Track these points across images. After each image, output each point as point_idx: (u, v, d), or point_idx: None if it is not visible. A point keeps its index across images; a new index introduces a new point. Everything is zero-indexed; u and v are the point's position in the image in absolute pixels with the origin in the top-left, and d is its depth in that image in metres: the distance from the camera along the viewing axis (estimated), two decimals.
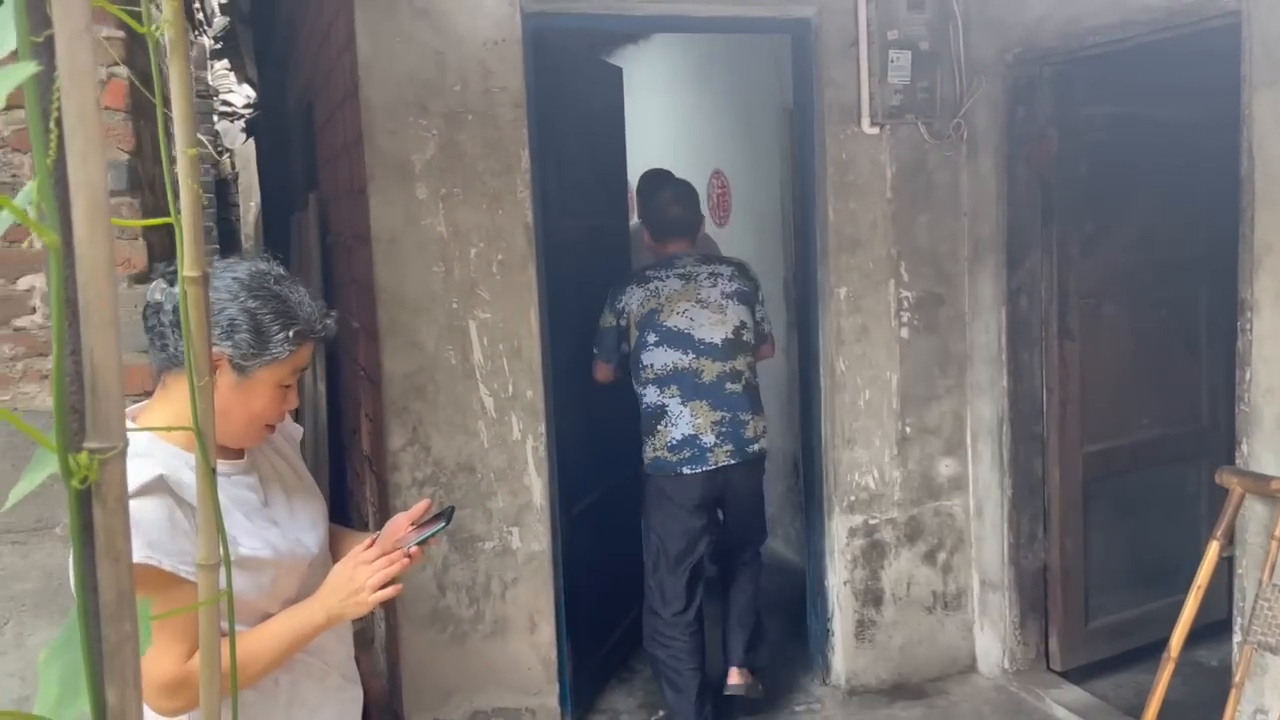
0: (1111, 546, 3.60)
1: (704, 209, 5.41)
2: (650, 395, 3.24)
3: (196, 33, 5.45)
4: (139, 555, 1.38)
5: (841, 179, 3.38)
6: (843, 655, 3.53)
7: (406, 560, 1.50)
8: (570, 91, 3.40)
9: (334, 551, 1.70)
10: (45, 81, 0.53)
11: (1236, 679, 2.44)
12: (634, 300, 3.26)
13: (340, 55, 3.18)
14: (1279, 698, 2.50)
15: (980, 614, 3.64)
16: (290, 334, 1.46)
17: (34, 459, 0.60)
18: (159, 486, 1.42)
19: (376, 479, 3.16)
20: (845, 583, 3.50)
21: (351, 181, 3.20)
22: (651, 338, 3.22)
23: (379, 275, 2.94)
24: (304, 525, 1.61)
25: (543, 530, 3.15)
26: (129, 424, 1.53)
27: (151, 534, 1.41)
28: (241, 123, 7.85)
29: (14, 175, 1.96)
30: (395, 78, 2.91)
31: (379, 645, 3.49)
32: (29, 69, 0.52)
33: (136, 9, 1.00)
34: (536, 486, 3.13)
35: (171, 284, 1.46)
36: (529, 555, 3.14)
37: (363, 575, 1.48)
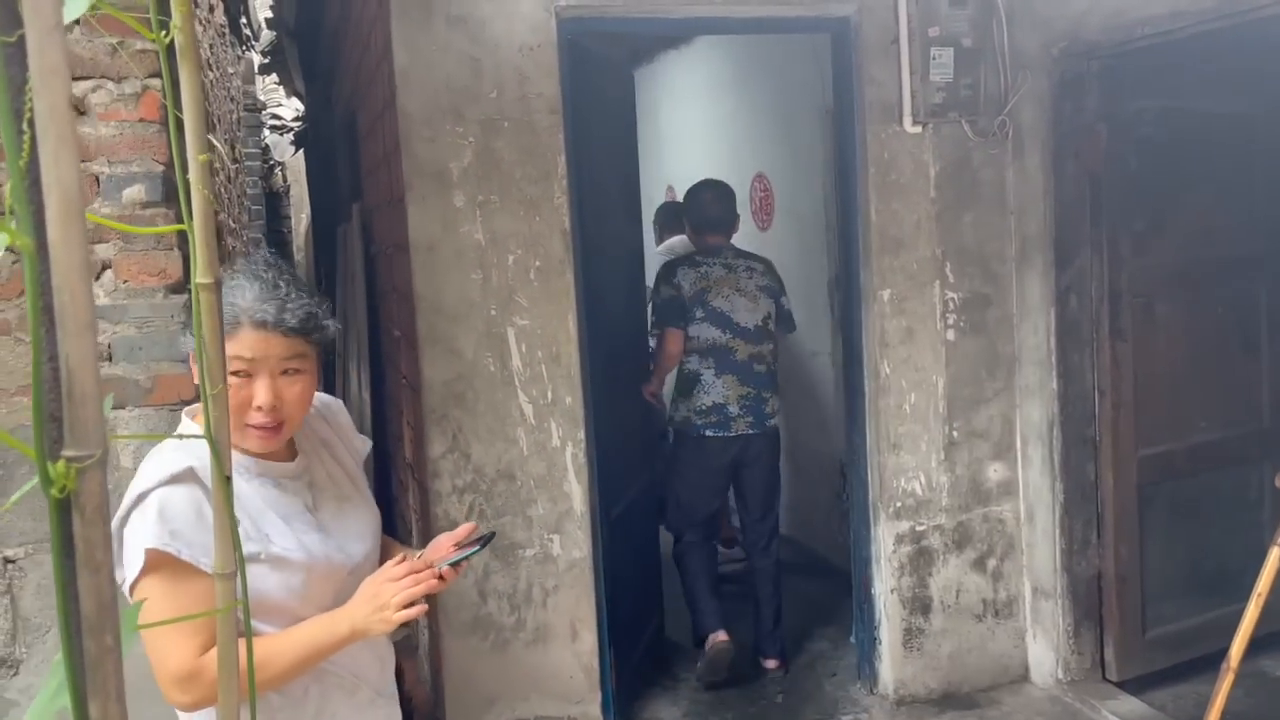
0: (1169, 553, 3.50)
1: (746, 213, 5.41)
2: (691, 363, 3.72)
3: (244, 48, 5.54)
4: (158, 542, 1.42)
5: (884, 179, 3.32)
6: (890, 664, 3.46)
7: (434, 581, 1.48)
8: (595, 96, 3.39)
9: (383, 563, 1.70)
10: (17, 82, 0.52)
11: None
12: (687, 279, 3.70)
13: (379, 65, 3.20)
14: None
15: (1033, 622, 3.55)
16: None
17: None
18: (188, 477, 1.44)
19: (418, 486, 3.17)
20: (892, 590, 3.44)
21: (391, 191, 3.21)
22: (699, 313, 3.68)
23: (417, 283, 2.95)
24: (352, 534, 1.61)
25: (583, 537, 3.13)
26: (187, 422, 1.56)
27: (175, 523, 1.43)
28: (290, 136, 7.97)
29: None
30: (432, 86, 2.92)
31: (422, 653, 3.50)
32: None
33: (148, 16, 1.00)
34: (576, 493, 3.11)
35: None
36: (570, 562, 3.13)
37: (388, 592, 1.47)
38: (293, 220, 10.43)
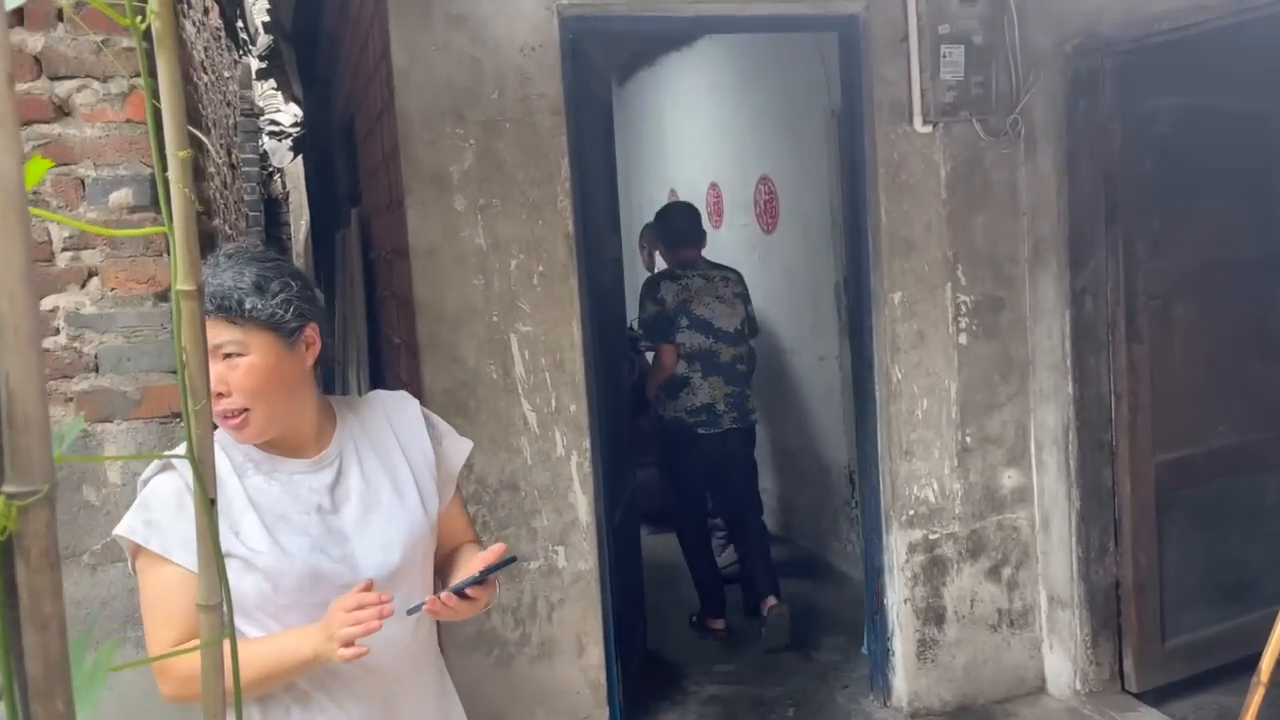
0: (1188, 560, 3.42)
1: (750, 215, 5.34)
2: (679, 368, 4.03)
3: (241, 52, 5.47)
4: (128, 530, 1.44)
5: (893, 180, 3.25)
6: (904, 676, 3.38)
7: (376, 624, 1.36)
8: (590, 98, 3.32)
9: (451, 567, 1.65)
10: None
11: None
12: (669, 293, 4.02)
13: (377, 66, 3.13)
14: None
15: (1049, 632, 3.47)
16: None
17: None
18: (179, 463, 1.43)
19: None
20: (905, 600, 3.36)
21: (390, 194, 3.14)
22: (684, 321, 4.00)
23: (417, 289, 2.87)
24: (373, 544, 1.53)
25: (589, 549, 3.06)
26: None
27: (154, 512, 1.44)
28: (289, 141, 7.90)
29: None
30: (431, 87, 2.85)
31: None
32: None
33: (129, 2, 0.92)
34: (582, 504, 3.04)
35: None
36: (575, 575, 3.05)
37: (336, 623, 1.38)
38: (292, 227, 10.37)
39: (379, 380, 4.06)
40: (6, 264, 0.44)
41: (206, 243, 2.48)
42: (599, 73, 3.47)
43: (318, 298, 1.59)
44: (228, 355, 1.44)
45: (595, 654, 3.08)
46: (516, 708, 3.01)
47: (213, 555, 1.00)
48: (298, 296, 1.50)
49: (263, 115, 6.04)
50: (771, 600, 4.02)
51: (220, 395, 1.44)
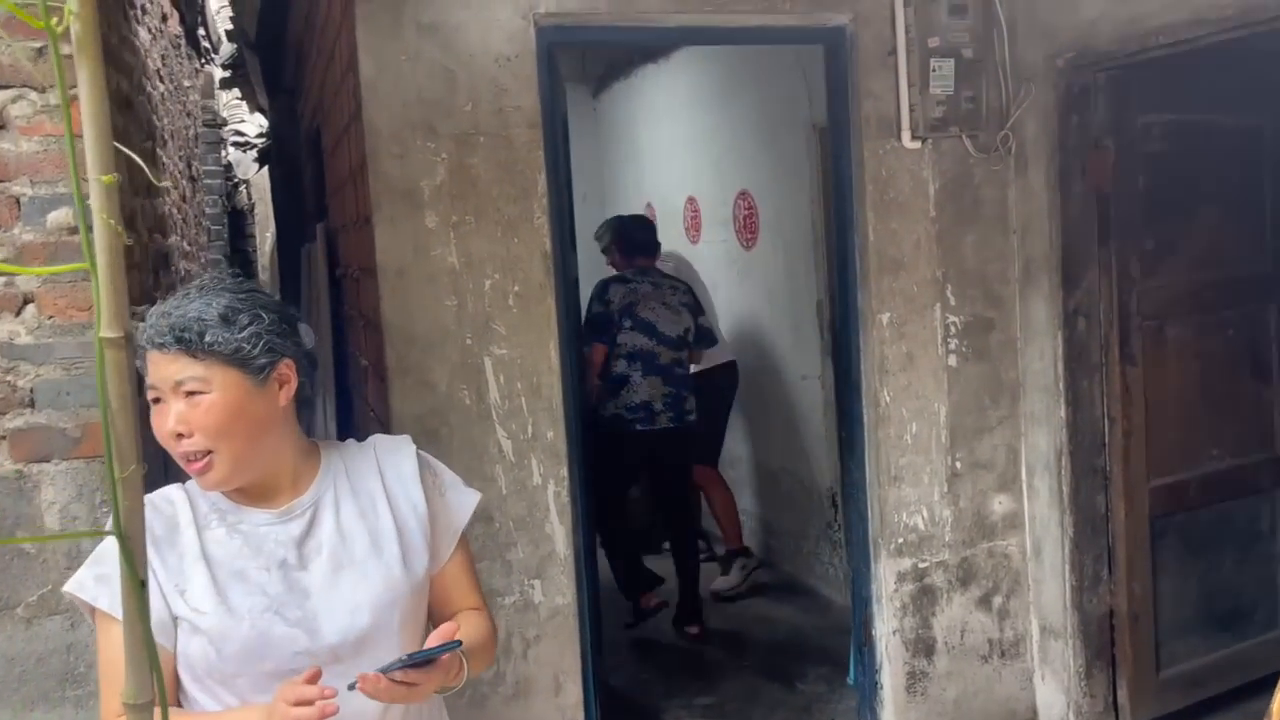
0: (1182, 588, 3.33)
1: (730, 230, 5.23)
2: (620, 366, 4.21)
3: (203, 61, 5.30)
4: (77, 587, 1.35)
5: (881, 197, 3.15)
6: (893, 710, 3.26)
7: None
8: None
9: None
10: None
11: None
12: (617, 295, 4.22)
13: (344, 76, 2.99)
14: None
15: (1041, 663, 3.37)
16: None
17: None
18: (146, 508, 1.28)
19: None
20: (894, 632, 3.24)
21: (357, 210, 3.00)
22: (628, 323, 4.20)
23: (386, 310, 2.73)
24: (341, 606, 1.38)
25: (566, 582, 2.91)
26: None
27: (106, 566, 1.34)
28: (254, 153, 7.71)
29: None
30: (401, 98, 2.71)
31: None
32: None
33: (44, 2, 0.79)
34: (559, 535, 2.90)
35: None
36: (552, 610, 2.91)
37: (278, 714, 1.23)
38: (257, 239, 10.16)
39: (345, 403, 3.90)
40: None
41: (160, 262, 2.33)
42: (560, 84, 3.34)
43: (297, 332, 1.46)
44: (190, 393, 1.33)
45: (574, 692, 2.94)
46: None
47: (143, 646, 0.86)
48: (269, 330, 1.38)
49: (225, 126, 5.85)
50: (695, 629, 4.32)
51: (181, 436, 1.33)
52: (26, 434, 1.76)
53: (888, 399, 3.19)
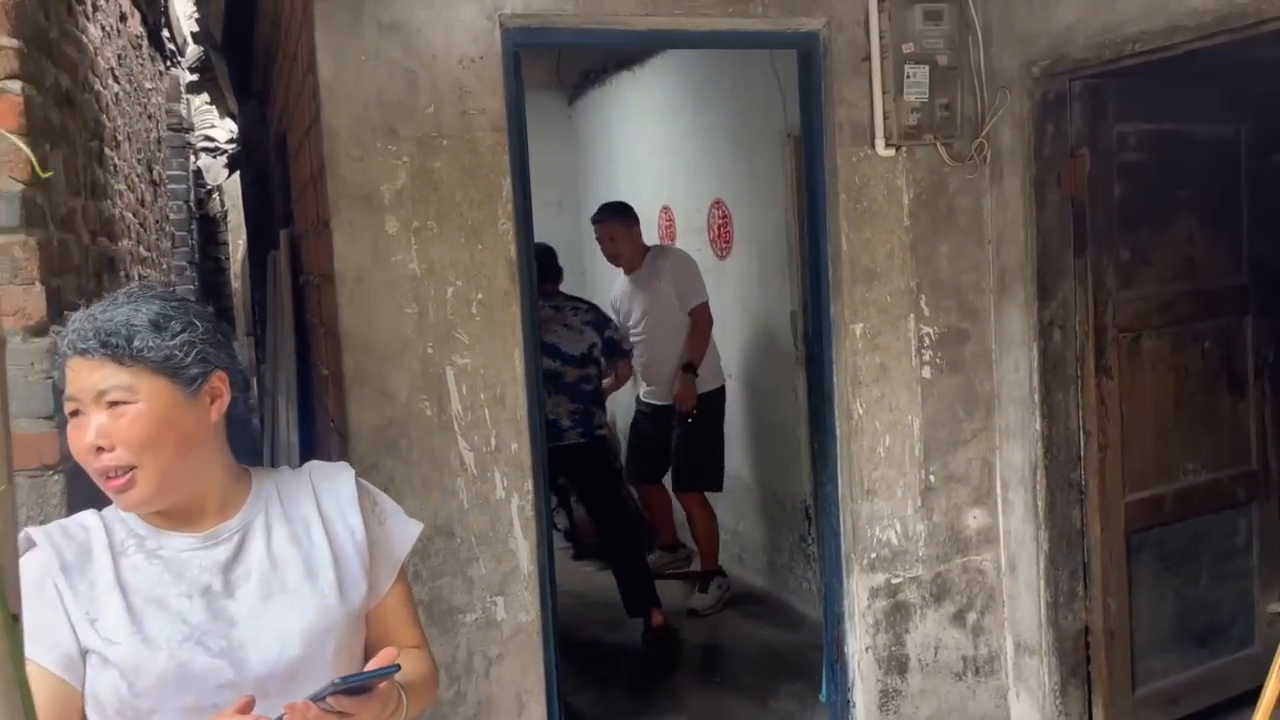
0: (1158, 604, 3.28)
1: (704, 239, 5.17)
2: None
3: (168, 63, 5.20)
4: None
5: (855, 205, 3.09)
6: None
7: None
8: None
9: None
10: None
11: None
12: None
13: (305, 78, 2.91)
14: None
15: (1015, 680, 3.31)
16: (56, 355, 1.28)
17: None
18: (56, 536, 1.27)
19: None
20: (867, 649, 3.18)
21: (317, 215, 2.91)
22: None
23: (343, 318, 2.65)
24: (267, 634, 1.29)
25: (530, 599, 2.83)
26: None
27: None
28: (224, 159, 7.60)
29: None
30: (361, 99, 2.63)
31: None
32: None
33: None
34: (523, 550, 2.81)
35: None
36: (515, 628, 2.82)
37: None
38: (230, 246, 10.02)
39: (308, 414, 3.81)
40: None
41: (105, 266, 2.24)
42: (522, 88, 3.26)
43: (230, 344, 1.37)
44: (113, 403, 1.24)
45: (537, 712, 2.85)
46: None
47: (14, 687, 0.78)
48: (203, 339, 1.29)
49: (193, 130, 5.74)
50: (658, 619, 4.29)
51: (101, 450, 1.23)
52: None
53: (861, 411, 3.13)
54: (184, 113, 5.62)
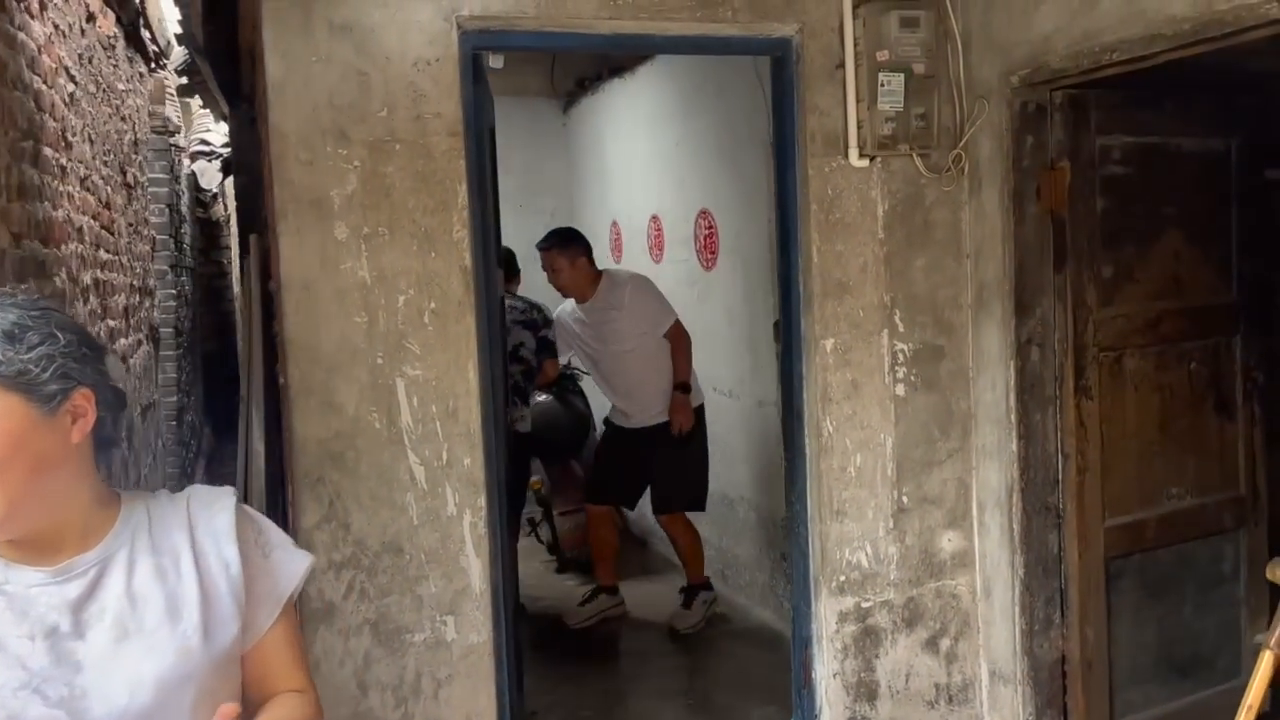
0: (1138, 633, 3.17)
1: (691, 250, 5.08)
2: None
3: (151, 65, 5.16)
4: None
5: (827, 217, 3.00)
6: None
7: None
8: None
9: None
10: None
11: None
12: None
13: (259, 79, 2.84)
14: None
15: (990, 709, 3.20)
16: None
17: None
18: None
19: None
20: (835, 674, 3.08)
21: (268, 220, 2.84)
22: None
23: (290, 326, 2.57)
24: (117, 681, 1.19)
25: (483, 619, 2.74)
26: None
27: None
28: (218, 163, 7.56)
29: None
30: (311, 101, 2.56)
31: None
32: None
33: None
34: (475, 568, 2.73)
35: None
36: (466, 648, 2.73)
37: None
38: (232, 251, 9.98)
39: (277, 427, 3.72)
40: None
41: (34, 270, 2.17)
42: (487, 92, 3.18)
43: (101, 360, 1.27)
44: None
45: None
46: None
47: None
48: (64, 353, 1.19)
49: (178, 133, 5.69)
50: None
51: None
52: None
53: (830, 429, 3.03)
54: (171, 115, 5.56)
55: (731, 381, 4.85)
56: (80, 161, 2.95)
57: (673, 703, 3.87)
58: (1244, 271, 3.28)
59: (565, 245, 4.45)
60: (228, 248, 9.97)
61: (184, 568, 1.26)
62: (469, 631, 2.73)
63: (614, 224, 6.19)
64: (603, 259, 5.52)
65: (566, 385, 5.22)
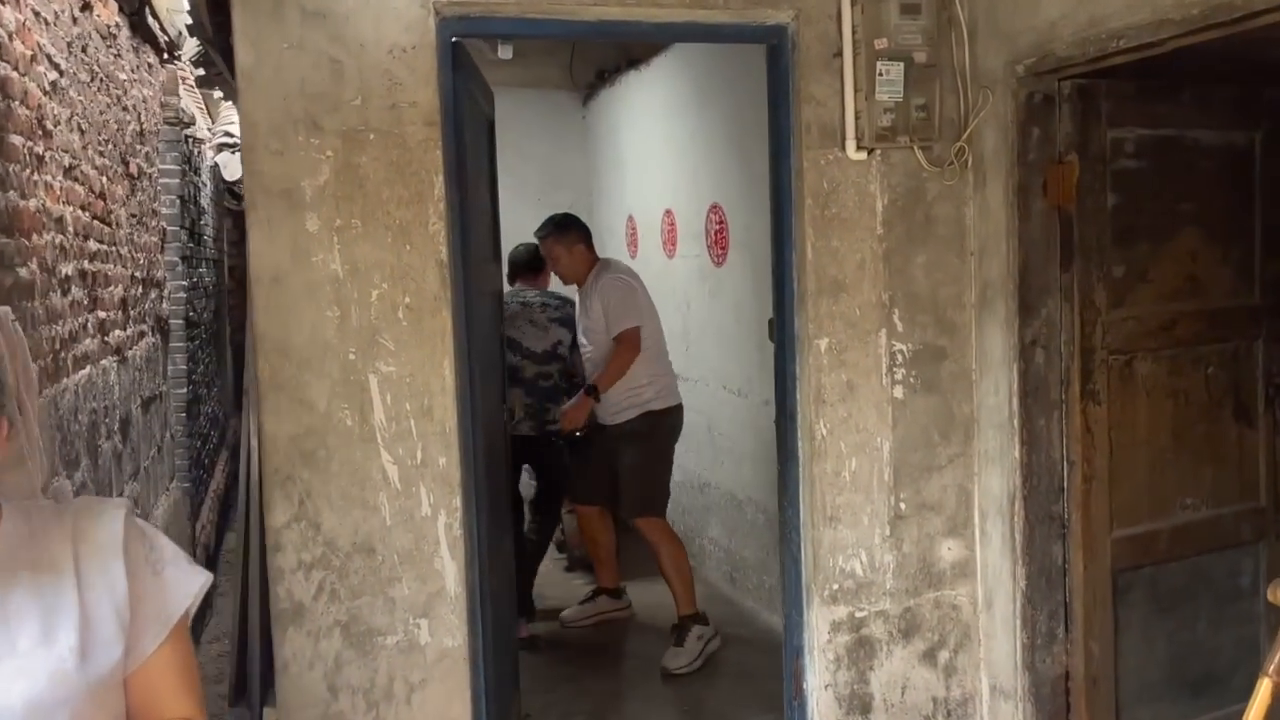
0: (1148, 649, 3.02)
1: (702, 245, 4.98)
2: None
3: (163, 56, 5.14)
4: None
5: (822, 212, 2.89)
6: None
7: None
8: (473, 109, 2.94)
9: None
10: None
11: None
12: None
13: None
14: None
15: None
16: None
17: None
18: None
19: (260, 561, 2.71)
20: (827, 686, 2.97)
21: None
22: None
23: (259, 320, 2.51)
24: None
25: (457, 622, 2.67)
26: None
27: None
28: (239, 155, 7.56)
29: None
30: (282, 89, 2.50)
31: None
32: None
33: None
34: (450, 571, 2.65)
35: None
36: (441, 652, 2.66)
37: None
38: None
39: None
40: None
41: None
42: (481, 82, 3.10)
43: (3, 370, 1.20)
44: None
45: None
46: None
47: None
48: None
49: (190, 125, 5.69)
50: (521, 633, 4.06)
51: None
52: None
53: (824, 431, 2.93)
54: (185, 106, 5.54)
55: (740, 380, 4.75)
56: (65, 151, 2.91)
57: (666, 711, 3.78)
58: (1267, 272, 3.12)
59: (562, 233, 4.30)
60: None
61: (64, 586, 1.18)
62: (443, 635, 2.66)
63: (629, 218, 6.10)
64: (619, 255, 5.44)
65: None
